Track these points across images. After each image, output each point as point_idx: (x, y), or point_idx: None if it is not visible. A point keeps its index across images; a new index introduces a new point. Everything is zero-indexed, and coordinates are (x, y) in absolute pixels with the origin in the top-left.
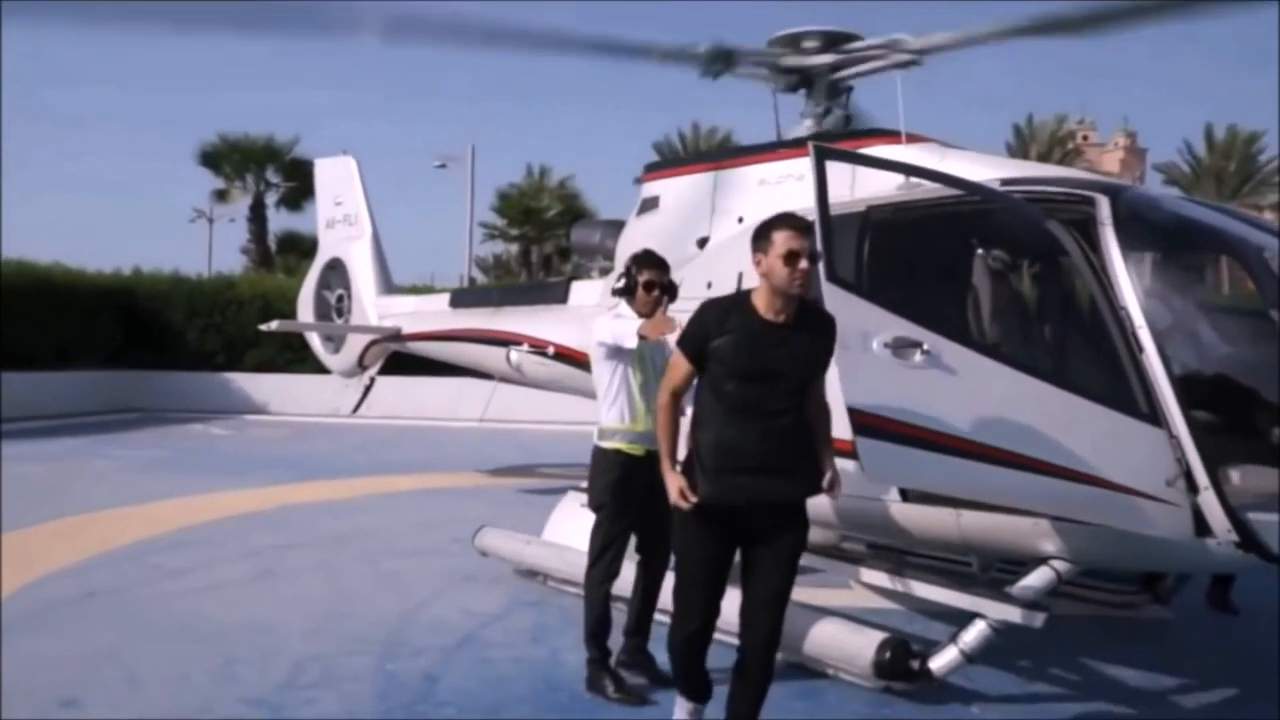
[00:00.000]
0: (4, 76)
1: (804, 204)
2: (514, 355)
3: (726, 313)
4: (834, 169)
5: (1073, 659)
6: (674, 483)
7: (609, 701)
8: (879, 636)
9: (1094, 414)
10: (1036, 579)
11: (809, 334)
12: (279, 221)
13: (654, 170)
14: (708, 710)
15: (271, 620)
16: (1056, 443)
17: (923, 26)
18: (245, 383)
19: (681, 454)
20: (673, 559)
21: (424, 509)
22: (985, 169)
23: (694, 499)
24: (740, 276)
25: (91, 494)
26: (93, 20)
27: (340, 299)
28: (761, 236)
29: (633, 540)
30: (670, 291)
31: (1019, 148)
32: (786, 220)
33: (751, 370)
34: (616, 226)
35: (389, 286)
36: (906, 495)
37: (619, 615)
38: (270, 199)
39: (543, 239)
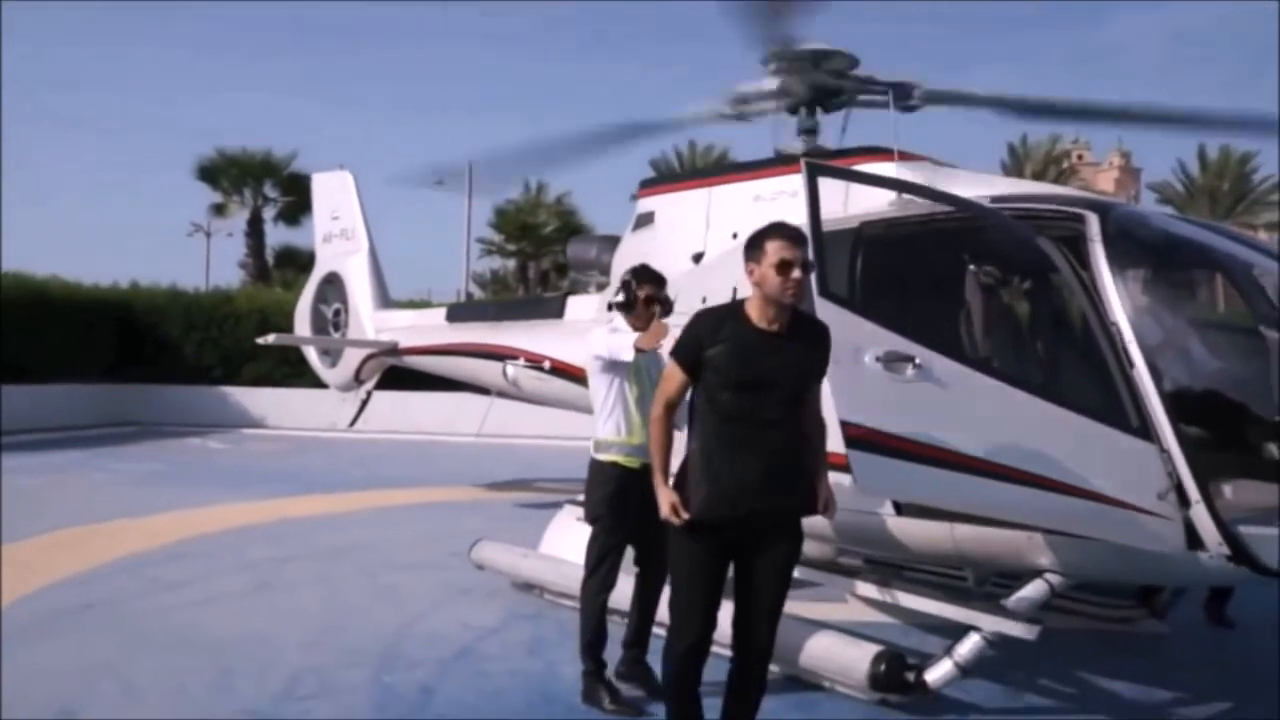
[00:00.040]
0: (4, 79)
1: (797, 220)
2: (510, 370)
3: (720, 322)
4: (828, 186)
5: (1068, 672)
6: (666, 498)
7: (605, 713)
8: (874, 649)
9: (1085, 428)
10: (1030, 592)
11: (803, 343)
12: (277, 236)
13: (649, 186)
14: None
15: (268, 632)
16: (1047, 456)
17: (917, 37)
18: (242, 397)
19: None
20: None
21: (421, 523)
22: (976, 187)
23: (686, 515)
24: (735, 291)
25: (89, 506)
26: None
27: (337, 313)
28: (754, 246)
29: (631, 553)
30: (666, 306)
31: (1013, 167)
32: (779, 230)
33: (745, 379)
34: (612, 242)
35: (386, 301)
36: (901, 509)
37: (615, 628)
38: (268, 213)
39: (540, 255)
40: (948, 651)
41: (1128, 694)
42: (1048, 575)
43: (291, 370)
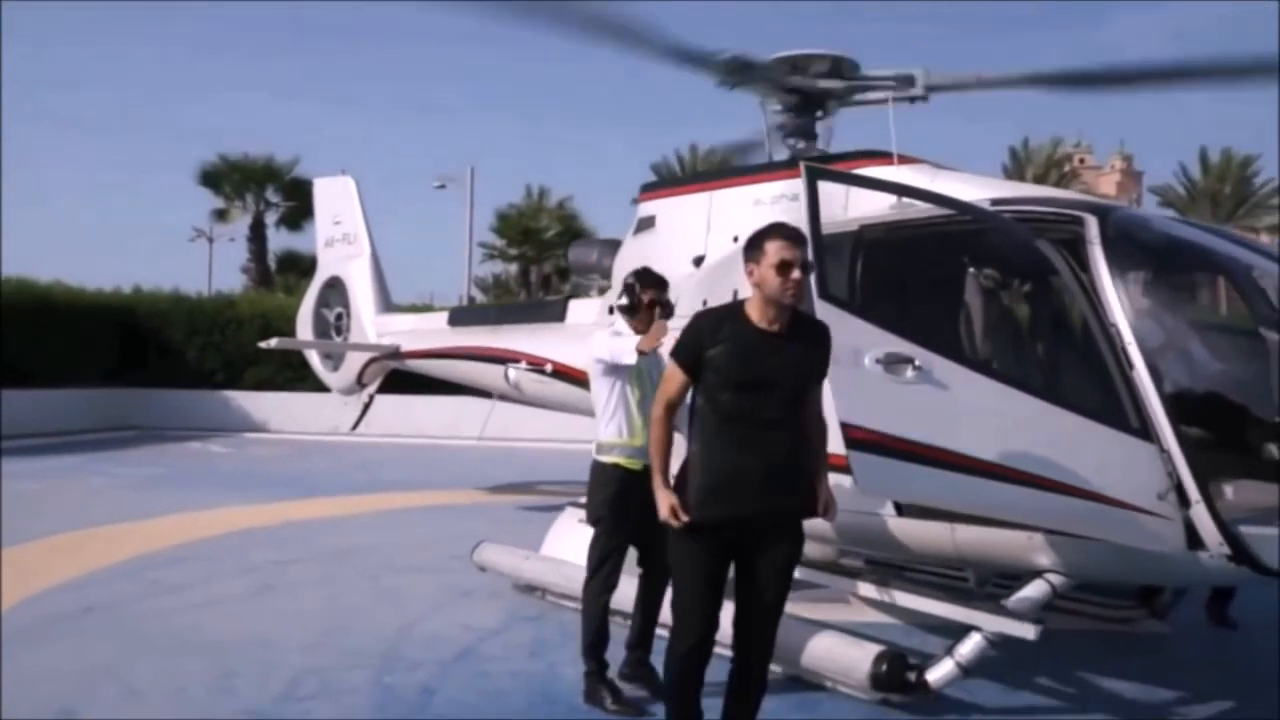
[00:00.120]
0: (4, 79)
1: (798, 223)
2: (512, 373)
3: (720, 322)
4: (828, 189)
5: (1070, 673)
6: (665, 500)
7: (606, 714)
8: (876, 649)
9: (1084, 429)
10: (1031, 592)
11: (803, 343)
12: (279, 241)
13: (650, 190)
14: None
15: (269, 634)
16: (1047, 457)
17: (915, 38)
18: (245, 401)
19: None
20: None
21: (423, 526)
22: (976, 189)
23: (685, 517)
24: (735, 294)
25: (89, 510)
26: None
27: (339, 317)
28: (754, 246)
29: (634, 554)
30: (668, 309)
31: (1015, 170)
32: (779, 230)
33: (745, 379)
34: (613, 245)
35: (388, 305)
36: (902, 510)
37: (617, 629)
38: (270, 218)
39: (542, 259)
40: (949, 651)
41: (1129, 694)
42: (1048, 575)
43: (294, 374)
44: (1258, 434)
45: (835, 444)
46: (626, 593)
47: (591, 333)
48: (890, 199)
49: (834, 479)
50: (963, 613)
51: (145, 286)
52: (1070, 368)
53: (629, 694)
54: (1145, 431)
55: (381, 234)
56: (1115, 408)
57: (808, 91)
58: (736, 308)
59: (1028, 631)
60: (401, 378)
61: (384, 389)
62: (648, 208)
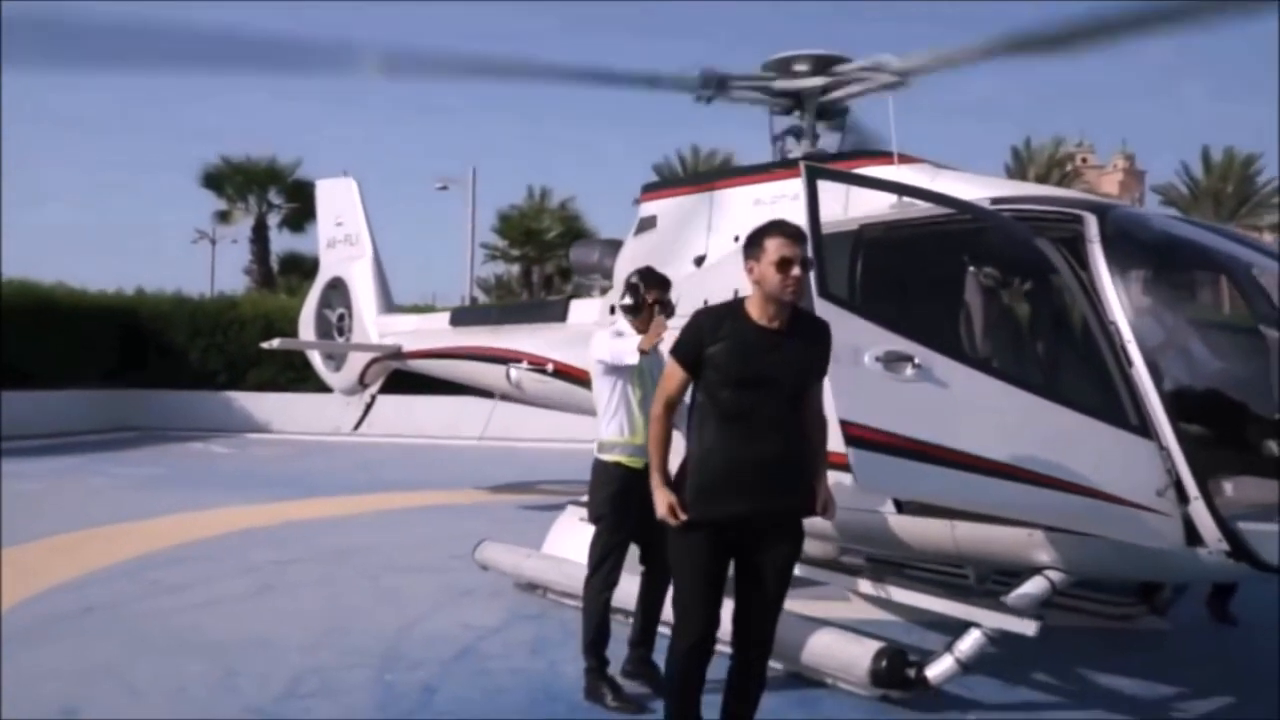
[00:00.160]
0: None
1: (798, 223)
2: (514, 373)
3: (720, 320)
4: (828, 189)
5: (1070, 669)
6: (663, 499)
7: (607, 710)
8: (875, 645)
9: (1083, 426)
10: (1031, 588)
11: (803, 340)
12: (281, 242)
13: (651, 190)
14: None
15: (270, 634)
16: (1047, 454)
17: (915, 39)
18: (247, 402)
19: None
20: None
21: (424, 525)
22: (976, 188)
23: (684, 515)
24: (736, 294)
25: (90, 510)
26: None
27: (341, 318)
28: (754, 244)
29: (636, 552)
30: (669, 309)
31: (1017, 170)
32: (779, 227)
33: (745, 376)
34: (615, 246)
35: (390, 305)
36: (902, 507)
37: (618, 627)
38: (272, 220)
39: (544, 260)
40: (949, 648)
41: (1128, 690)
42: (1048, 572)
43: (296, 375)
44: (1256, 431)
45: (835, 442)
46: (627, 590)
47: (593, 332)
48: (890, 198)
49: (834, 477)
50: (962, 609)
51: (148, 288)
52: (1069, 365)
53: (630, 691)
54: (1144, 428)
55: (384, 235)
56: (1114, 405)
57: (796, 93)
58: (736, 305)
59: (1027, 628)
60: (403, 378)
61: (386, 389)
62: (649, 208)
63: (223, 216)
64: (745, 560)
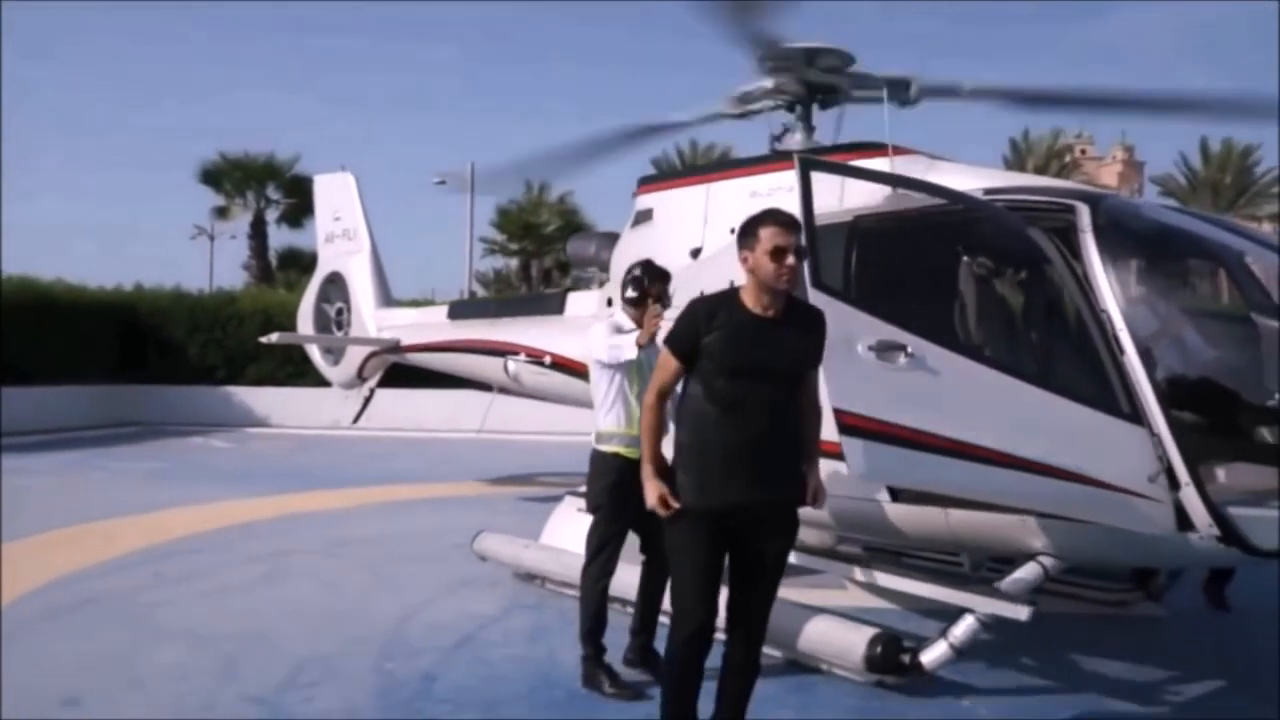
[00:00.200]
0: (4, 79)
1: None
2: (511, 365)
3: (715, 309)
4: (822, 180)
5: (1065, 654)
6: (654, 489)
7: (605, 697)
8: (870, 631)
9: (1075, 413)
10: (1024, 574)
11: (798, 329)
12: (280, 238)
13: (648, 183)
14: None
15: (271, 624)
16: (1039, 441)
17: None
18: (246, 396)
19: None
20: None
21: (423, 517)
22: (971, 179)
23: (675, 505)
24: (731, 285)
25: (91, 504)
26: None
27: (340, 312)
28: (748, 233)
29: (636, 542)
30: (666, 302)
31: (1015, 162)
32: (773, 216)
33: (740, 365)
34: (611, 239)
35: (388, 299)
36: (897, 495)
37: (615, 616)
38: (271, 215)
39: (542, 254)
40: (943, 633)
41: (1122, 675)
42: (1041, 558)
43: (295, 370)
44: (1247, 417)
45: (830, 430)
46: (625, 580)
47: (590, 325)
48: (884, 189)
49: (829, 465)
50: (956, 595)
51: (147, 284)
52: (1062, 354)
53: (630, 679)
54: (1136, 415)
55: (382, 230)
56: (1106, 392)
57: (802, 83)
58: (731, 294)
59: (1020, 613)
60: (402, 371)
61: (385, 383)
62: (645, 201)
63: (221, 212)
64: (741, 549)
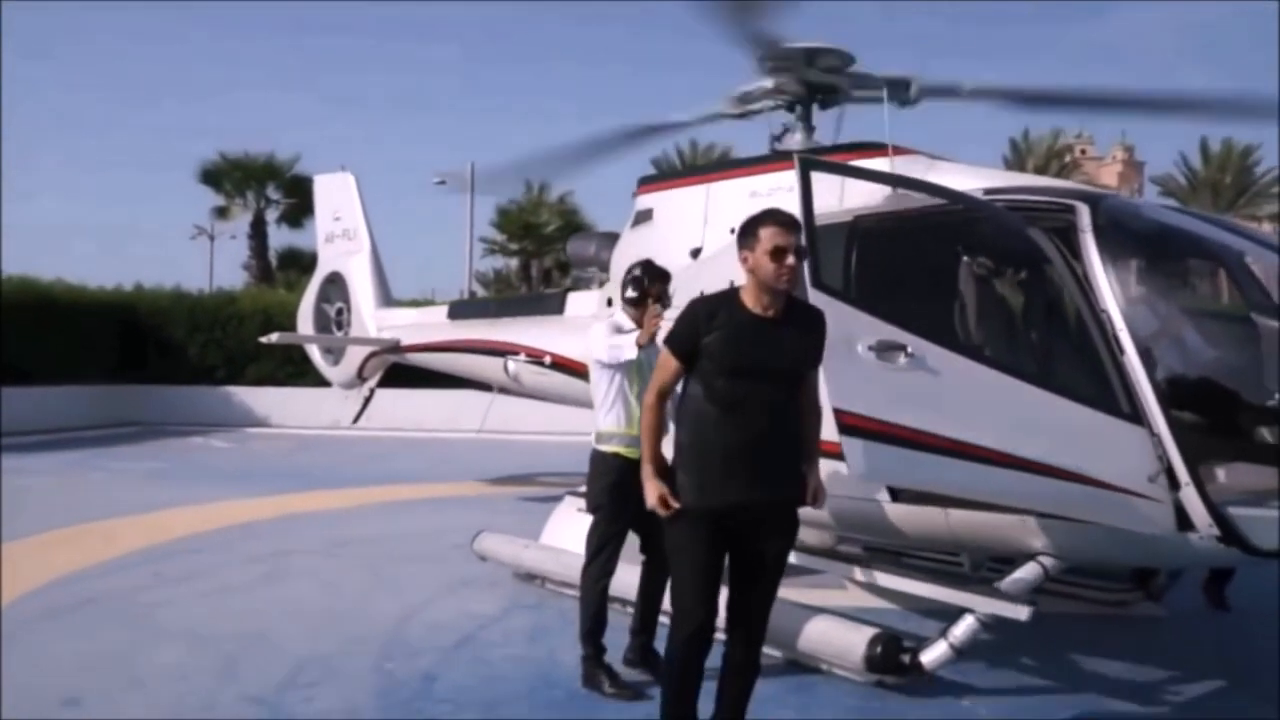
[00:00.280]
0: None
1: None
2: (511, 365)
3: (716, 309)
4: (822, 180)
5: (1065, 654)
6: (654, 489)
7: (605, 697)
8: (870, 631)
9: (1075, 413)
10: (1024, 574)
11: (798, 329)
12: (280, 238)
13: (648, 183)
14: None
15: (272, 624)
16: (1039, 441)
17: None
18: (246, 396)
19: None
20: None
21: (423, 517)
22: (971, 179)
23: (675, 505)
24: (731, 285)
25: (91, 504)
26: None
27: (340, 312)
28: (748, 233)
29: (636, 542)
30: (666, 302)
31: (1015, 162)
32: (772, 216)
33: (740, 365)
34: (611, 238)
35: (388, 299)
36: (897, 495)
37: (615, 616)
38: (271, 215)
39: (542, 254)
40: (943, 633)
41: (1122, 675)
42: (1041, 558)
43: (295, 370)
44: (1247, 417)
45: (829, 430)
46: (625, 580)
47: (589, 325)
48: (884, 189)
49: (830, 465)
50: (956, 595)
51: (147, 284)
52: (1062, 354)
53: (630, 679)
54: (1136, 416)
55: (383, 230)
56: (1106, 392)
57: (802, 84)
58: (732, 294)
59: (1020, 613)
60: (402, 371)
61: (385, 383)
62: (645, 200)
63: (221, 212)
64: (741, 549)
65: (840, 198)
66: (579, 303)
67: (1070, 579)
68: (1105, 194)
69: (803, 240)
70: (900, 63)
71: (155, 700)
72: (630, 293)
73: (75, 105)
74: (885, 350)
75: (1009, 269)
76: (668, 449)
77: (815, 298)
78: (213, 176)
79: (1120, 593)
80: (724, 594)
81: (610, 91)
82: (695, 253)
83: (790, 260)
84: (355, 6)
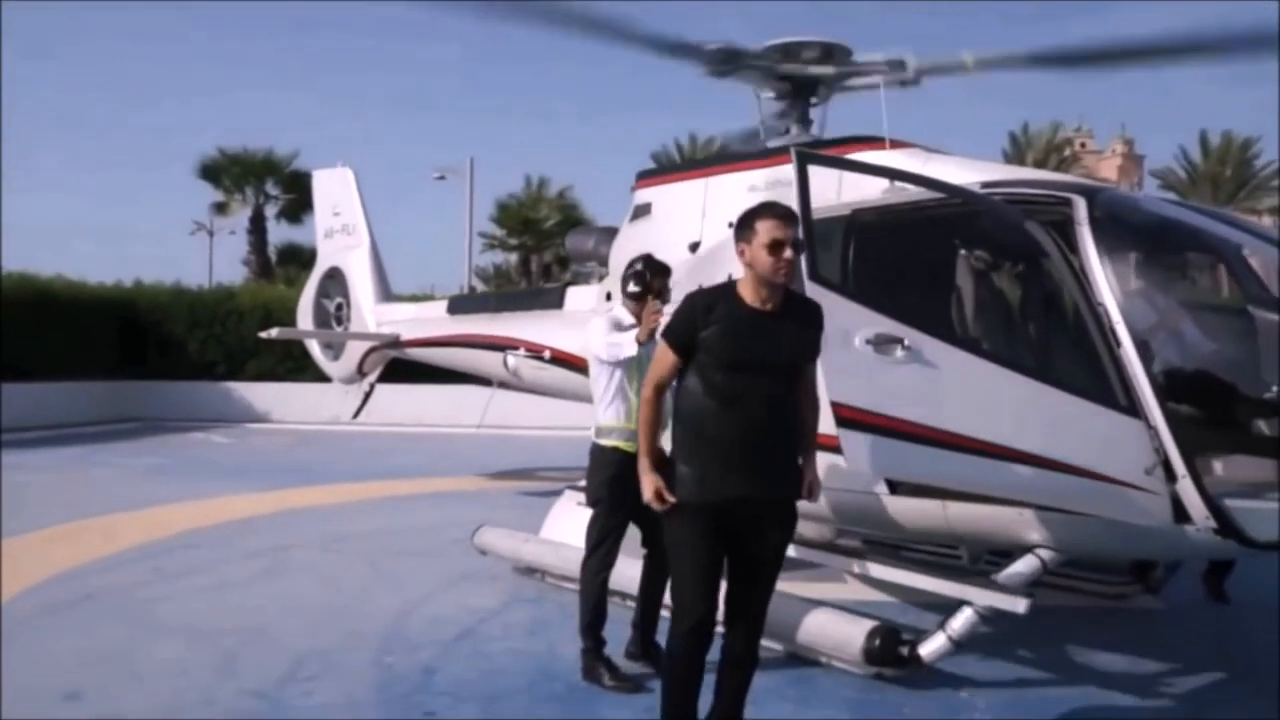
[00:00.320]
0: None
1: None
2: (511, 360)
3: (713, 303)
4: (820, 173)
5: (1062, 646)
6: (650, 483)
7: (604, 690)
8: (869, 624)
9: (1072, 406)
10: (1022, 567)
11: (795, 322)
12: (279, 233)
13: (646, 177)
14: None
15: (272, 618)
16: (1035, 434)
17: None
18: (246, 392)
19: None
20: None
21: (423, 512)
22: (968, 173)
23: (671, 499)
24: (730, 278)
25: (91, 500)
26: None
27: (339, 307)
28: (745, 226)
29: (638, 536)
30: (666, 297)
31: (1015, 155)
32: (770, 209)
33: (738, 359)
34: (610, 233)
35: (387, 294)
36: (895, 488)
37: (615, 609)
38: (270, 211)
39: (542, 249)
40: (941, 626)
41: (1120, 667)
42: (1039, 550)
43: (294, 365)
44: (1243, 410)
45: (827, 424)
46: (627, 574)
47: (589, 319)
48: (882, 182)
49: (829, 458)
50: (954, 588)
51: (146, 280)
52: (1058, 347)
53: (632, 672)
54: (1132, 408)
55: (382, 226)
56: (1103, 385)
57: (800, 78)
58: (729, 288)
59: (1017, 605)
60: (402, 367)
61: (384, 378)
62: (644, 195)
63: (220, 208)
64: (740, 545)
65: (837, 191)
66: (578, 297)
67: (1070, 572)
68: (1102, 187)
69: (800, 233)
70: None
71: (156, 695)
72: (633, 287)
73: (75, 104)
74: (882, 343)
75: (1006, 262)
76: (666, 443)
77: (812, 291)
78: (211, 172)
79: (1119, 585)
80: (723, 587)
81: (610, 91)
82: (694, 247)
83: (788, 254)
84: (356, 6)
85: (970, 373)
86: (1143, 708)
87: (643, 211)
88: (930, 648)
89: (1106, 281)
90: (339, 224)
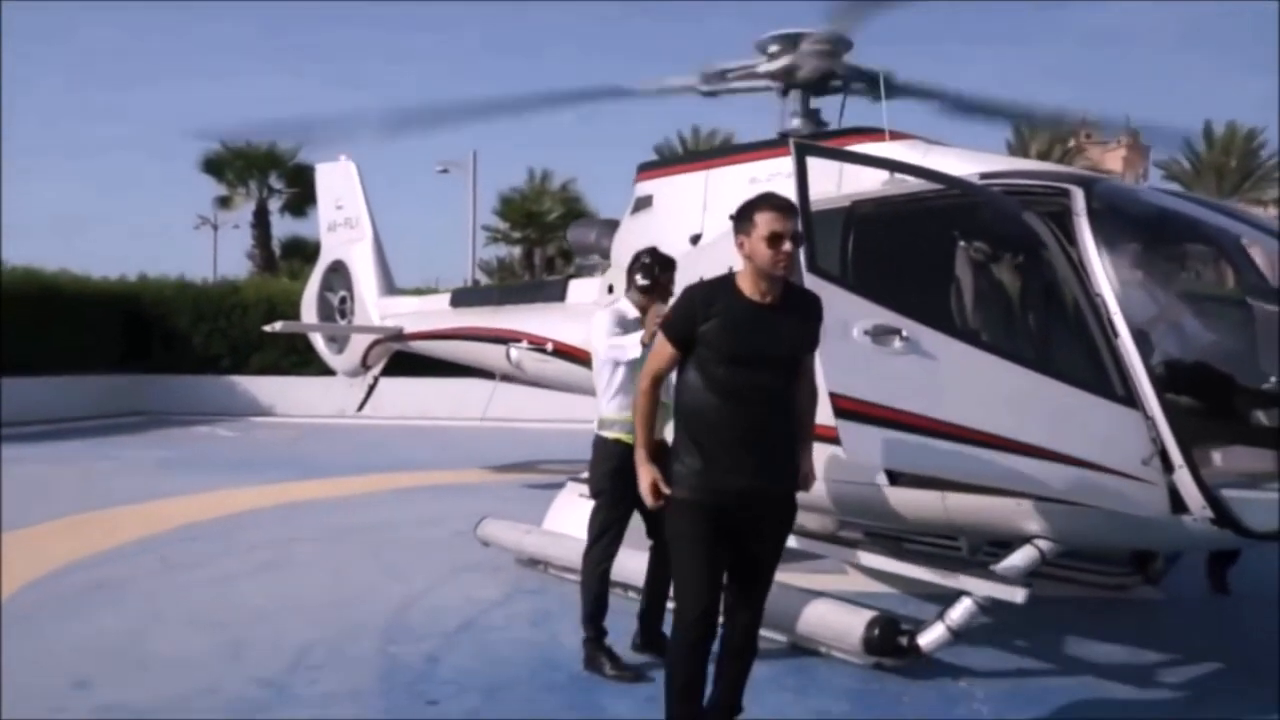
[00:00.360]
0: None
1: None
2: (514, 352)
3: (713, 296)
4: (819, 165)
5: (1062, 638)
6: (646, 475)
7: (606, 679)
8: (868, 614)
9: (1069, 396)
10: (1020, 558)
11: (795, 315)
12: (283, 227)
13: (647, 170)
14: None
15: (277, 608)
16: (1033, 424)
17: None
18: (250, 385)
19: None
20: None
21: (427, 504)
22: (967, 164)
23: (666, 491)
24: (730, 270)
25: (97, 493)
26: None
27: (343, 300)
28: (744, 218)
29: (642, 528)
30: (668, 293)
31: (1019, 146)
32: (769, 201)
33: (738, 353)
34: (612, 225)
35: (391, 287)
36: (895, 479)
37: (616, 600)
38: (274, 205)
39: (545, 241)
40: (940, 616)
41: (1119, 658)
42: (1037, 541)
43: (299, 359)
44: (1241, 401)
45: (826, 415)
46: (630, 566)
47: (592, 312)
48: (881, 174)
49: (829, 450)
50: (953, 579)
51: (151, 274)
52: (1056, 338)
53: (636, 662)
54: (1130, 399)
55: (386, 219)
56: (1100, 376)
57: (794, 71)
58: (728, 281)
59: (1016, 595)
60: (406, 360)
61: (388, 371)
62: (645, 187)
63: (224, 202)
64: (740, 540)
65: (837, 182)
66: (581, 289)
67: (1069, 563)
68: (1100, 178)
69: (799, 226)
70: (900, 55)
71: (163, 683)
72: (641, 280)
73: (75, 101)
74: (881, 335)
75: (1004, 253)
76: (669, 436)
77: (811, 282)
78: (215, 166)
79: (1118, 577)
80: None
81: (610, 82)
82: (695, 239)
83: (787, 246)
84: (356, 7)
85: (968, 364)
86: (1141, 698)
87: (644, 204)
88: (929, 638)
89: (1104, 272)
90: (342, 217)
